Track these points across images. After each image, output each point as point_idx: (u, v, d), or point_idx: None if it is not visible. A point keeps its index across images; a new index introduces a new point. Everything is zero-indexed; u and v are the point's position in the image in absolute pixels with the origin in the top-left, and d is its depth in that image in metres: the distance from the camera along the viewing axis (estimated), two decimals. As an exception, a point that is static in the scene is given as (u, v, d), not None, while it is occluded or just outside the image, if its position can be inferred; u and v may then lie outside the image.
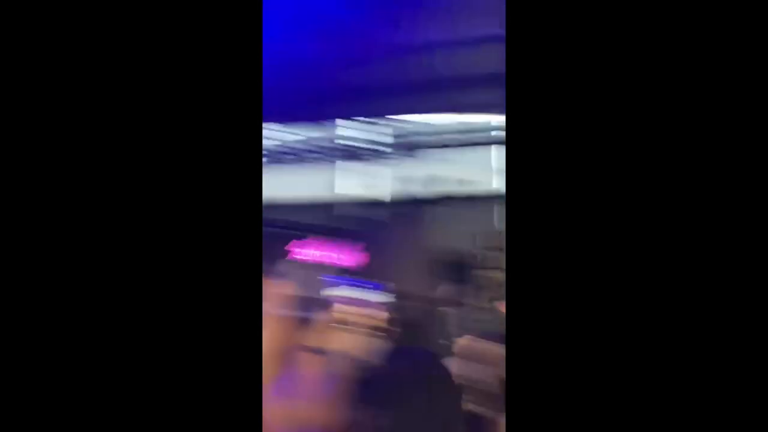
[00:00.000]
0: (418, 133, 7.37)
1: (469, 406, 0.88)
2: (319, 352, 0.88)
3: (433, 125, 7.13)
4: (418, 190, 7.00)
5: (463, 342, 1.07)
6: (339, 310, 0.97)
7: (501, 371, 0.72)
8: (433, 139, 7.27)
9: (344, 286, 1.03)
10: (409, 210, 6.55)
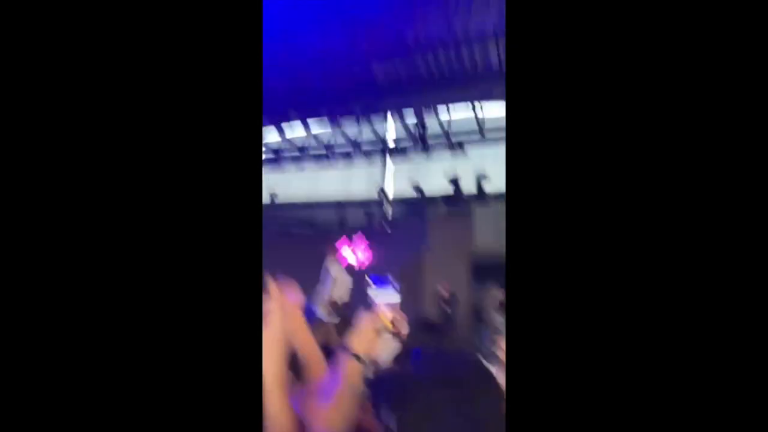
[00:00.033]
0: (468, 132, 7.22)
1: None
2: (361, 356, 0.86)
3: (484, 120, 6.93)
4: (469, 187, 6.80)
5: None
6: (382, 312, 0.94)
7: None
8: (480, 136, 7.10)
9: (388, 288, 1.00)
10: (459, 208, 6.37)
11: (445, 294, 5.01)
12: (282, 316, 0.90)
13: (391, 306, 0.96)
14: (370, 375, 0.90)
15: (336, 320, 1.37)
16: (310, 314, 1.17)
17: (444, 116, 6.85)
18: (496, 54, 5.39)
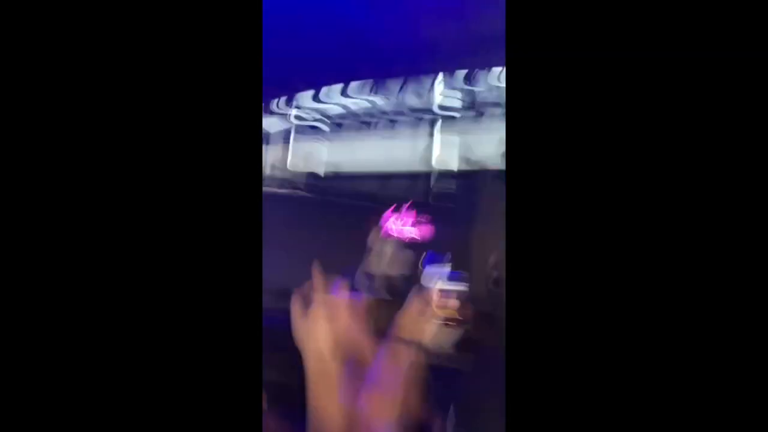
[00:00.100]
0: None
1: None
2: (410, 340, 0.80)
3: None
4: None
5: None
6: (435, 297, 0.88)
7: None
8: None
9: (444, 270, 0.93)
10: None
11: (495, 263, 4.93)
12: (326, 307, 0.87)
13: (447, 291, 0.89)
14: (425, 361, 0.84)
15: (388, 297, 1.33)
16: (356, 293, 1.13)
17: (497, 81, 6.53)
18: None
